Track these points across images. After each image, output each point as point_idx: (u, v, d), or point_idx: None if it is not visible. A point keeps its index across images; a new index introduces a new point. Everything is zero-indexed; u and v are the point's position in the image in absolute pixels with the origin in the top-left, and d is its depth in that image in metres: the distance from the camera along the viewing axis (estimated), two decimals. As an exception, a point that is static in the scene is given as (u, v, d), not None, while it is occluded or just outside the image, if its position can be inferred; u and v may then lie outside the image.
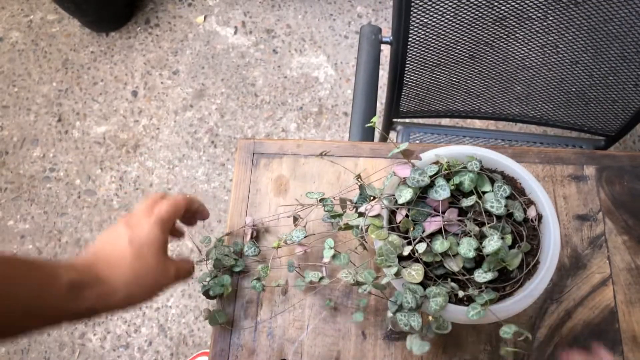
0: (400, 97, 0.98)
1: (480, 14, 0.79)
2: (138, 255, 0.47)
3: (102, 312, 0.44)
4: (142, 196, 1.57)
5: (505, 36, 0.83)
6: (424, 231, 0.52)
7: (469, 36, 0.83)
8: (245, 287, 0.64)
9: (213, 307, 0.63)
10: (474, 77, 0.93)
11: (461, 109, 1.03)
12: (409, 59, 0.87)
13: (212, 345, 0.62)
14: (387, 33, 0.86)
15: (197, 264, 0.60)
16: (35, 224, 1.55)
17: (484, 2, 0.76)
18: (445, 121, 1.47)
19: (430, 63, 0.89)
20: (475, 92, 0.97)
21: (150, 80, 1.74)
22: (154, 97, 1.71)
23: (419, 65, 0.90)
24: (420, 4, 0.76)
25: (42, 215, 1.56)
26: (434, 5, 0.77)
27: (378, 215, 0.52)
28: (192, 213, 0.56)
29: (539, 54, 0.86)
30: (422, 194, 0.53)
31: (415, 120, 1.15)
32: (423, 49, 0.86)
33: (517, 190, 0.55)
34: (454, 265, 0.50)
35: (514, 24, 0.80)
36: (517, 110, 1.01)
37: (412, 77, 0.93)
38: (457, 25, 0.81)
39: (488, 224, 0.51)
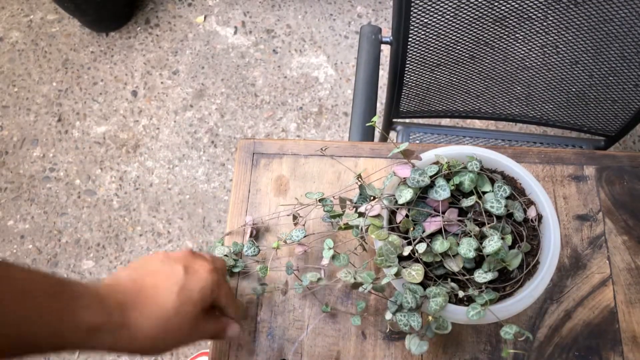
0: (400, 97, 0.98)
1: (480, 14, 0.79)
2: (179, 312, 0.41)
3: (117, 353, 0.40)
4: (142, 196, 1.57)
5: (505, 36, 0.83)
6: (424, 231, 0.52)
7: (469, 36, 0.83)
8: (245, 287, 0.64)
9: (213, 307, 0.63)
10: (474, 77, 0.93)
11: (461, 109, 1.03)
12: (409, 59, 0.87)
13: (212, 345, 0.62)
14: (387, 33, 0.86)
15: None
16: (35, 223, 1.55)
17: (484, 2, 0.76)
18: (445, 121, 1.47)
19: (430, 63, 0.89)
20: (475, 92, 0.97)
21: (150, 80, 1.74)
22: (154, 97, 1.71)
23: (419, 65, 0.90)
24: (420, 4, 0.76)
25: (42, 215, 1.56)
26: (434, 5, 0.77)
27: (378, 215, 0.52)
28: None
29: (539, 54, 0.86)
30: (422, 194, 0.53)
31: (415, 120, 1.15)
32: (423, 49, 0.86)
33: (517, 191, 0.55)
34: (454, 266, 0.50)
35: (514, 24, 0.80)
36: (517, 110, 1.01)
37: (412, 77, 0.93)
38: (457, 25, 0.81)
39: (488, 224, 0.51)
